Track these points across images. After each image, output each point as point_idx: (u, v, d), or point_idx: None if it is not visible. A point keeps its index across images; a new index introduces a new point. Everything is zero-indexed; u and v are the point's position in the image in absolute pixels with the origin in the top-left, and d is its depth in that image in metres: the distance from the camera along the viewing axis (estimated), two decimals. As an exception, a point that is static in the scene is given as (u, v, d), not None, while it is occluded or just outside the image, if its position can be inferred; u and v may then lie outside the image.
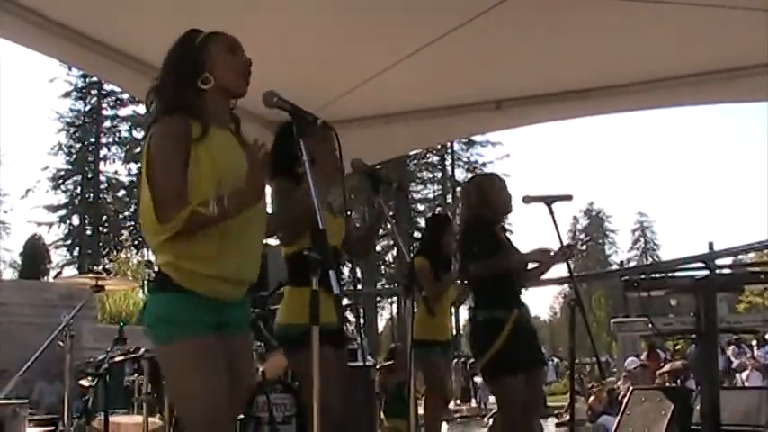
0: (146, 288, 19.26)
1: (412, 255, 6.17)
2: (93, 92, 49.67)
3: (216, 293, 2.83)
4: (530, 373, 4.87)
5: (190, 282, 2.79)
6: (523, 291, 5.23)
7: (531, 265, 5.14)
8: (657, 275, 5.34)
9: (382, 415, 10.34)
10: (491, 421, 5.22)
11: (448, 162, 52.70)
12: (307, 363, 3.77)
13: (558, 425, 13.68)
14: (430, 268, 6.07)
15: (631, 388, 6.38)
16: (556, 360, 35.21)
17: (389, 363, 9.63)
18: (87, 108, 50.55)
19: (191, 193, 2.74)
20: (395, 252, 47.38)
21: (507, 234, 5.25)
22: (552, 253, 4.99)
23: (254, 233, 2.99)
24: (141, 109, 46.78)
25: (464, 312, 34.20)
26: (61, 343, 5.51)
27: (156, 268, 2.94)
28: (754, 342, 20.75)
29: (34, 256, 41.51)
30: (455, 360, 24.34)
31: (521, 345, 4.82)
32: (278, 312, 4.03)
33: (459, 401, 22.93)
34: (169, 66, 2.96)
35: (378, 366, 9.10)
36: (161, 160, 2.78)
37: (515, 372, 4.76)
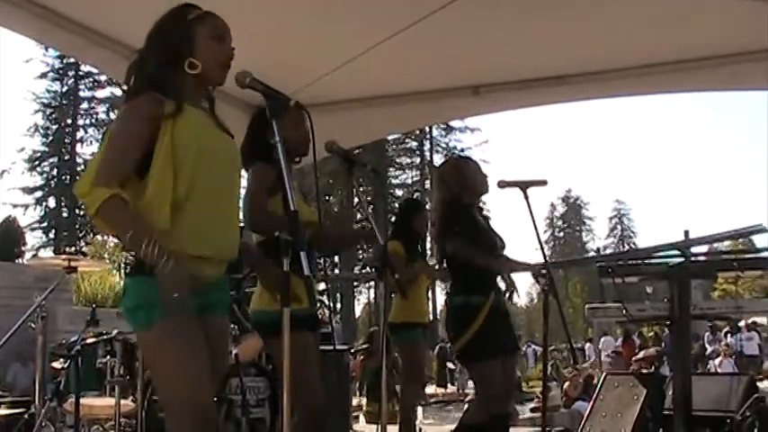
0: (124, 271, 19.17)
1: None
2: (71, 73, 49.24)
3: (201, 273, 2.77)
4: (506, 356, 4.89)
5: None
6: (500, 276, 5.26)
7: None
8: (633, 262, 5.38)
9: (364, 399, 10.37)
10: (467, 405, 5.24)
11: (426, 147, 52.64)
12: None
13: (533, 410, 13.72)
14: (404, 252, 6.10)
15: (605, 374, 6.41)
16: (533, 346, 35.41)
17: (366, 346, 9.65)
18: (64, 89, 50.10)
19: (168, 163, 2.70)
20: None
21: (484, 215, 5.27)
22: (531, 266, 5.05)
23: (232, 210, 2.94)
24: (119, 91, 46.39)
25: (441, 297, 34.20)
26: (33, 325, 5.47)
27: None
28: (726, 329, 20.98)
29: (9, 238, 41.16)
30: (438, 345, 24.43)
31: (498, 328, 4.85)
32: (253, 297, 4.01)
33: (435, 386, 22.96)
34: (155, 43, 2.88)
35: (353, 351, 9.11)
36: (116, 145, 2.75)
37: (494, 355, 4.77)
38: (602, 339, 23.06)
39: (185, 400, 2.70)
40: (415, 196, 46.12)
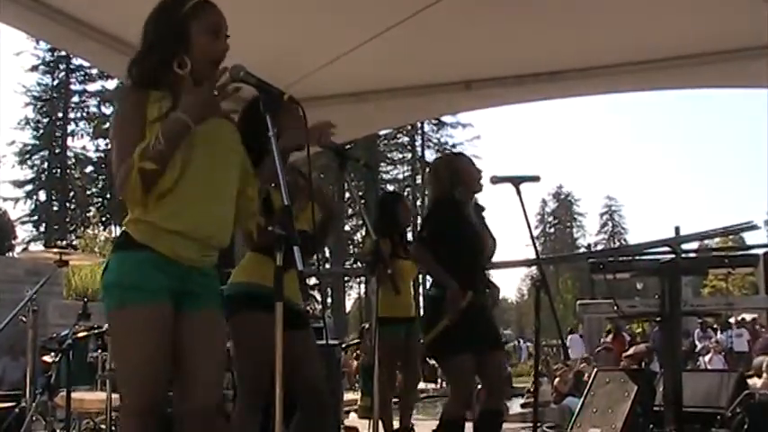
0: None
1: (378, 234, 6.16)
2: (62, 66, 49.12)
3: (176, 254, 2.72)
4: (482, 354, 4.83)
5: (150, 238, 2.70)
6: (487, 274, 5.25)
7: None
8: (624, 258, 5.39)
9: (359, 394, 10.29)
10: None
11: (418, 143, 52.71)
12: (243, 327, 3.69)
13: (523, 405, 13.74)
14: (389, 247, 6.09)
15: (596, 370, 6.43)
16: (523, 342, 35.48)
17: (357, 342, 9.61)
18: (55, 82, 49.98)
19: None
20: (364, 231, 47.31)
21: (481, 212, 5.20)
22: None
23: (221, 195, 2.87)
24: (110, 84, 46.40)
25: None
26: (23, 318, 5.46)
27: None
28: (716, 325, 21.03)
29: (-1, 231, 41.11)
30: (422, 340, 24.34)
31: (469, 325, 4.76)
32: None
33: (425, 381, 22.95)
34: (150, 41, 2.84)
35: (344, 346, 9.09)
36: (118, 146, 2.75)
37: (462, 351, 4.73)
38: (570, 337, 22.90)
39: (131, 396, 2.72)
40: (405, 192, 46.12)
